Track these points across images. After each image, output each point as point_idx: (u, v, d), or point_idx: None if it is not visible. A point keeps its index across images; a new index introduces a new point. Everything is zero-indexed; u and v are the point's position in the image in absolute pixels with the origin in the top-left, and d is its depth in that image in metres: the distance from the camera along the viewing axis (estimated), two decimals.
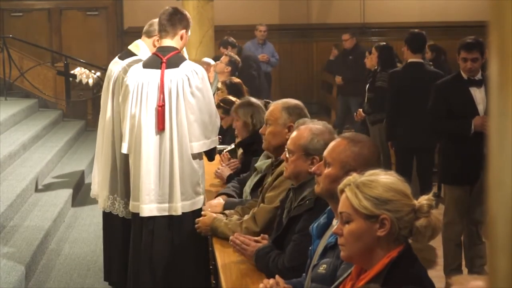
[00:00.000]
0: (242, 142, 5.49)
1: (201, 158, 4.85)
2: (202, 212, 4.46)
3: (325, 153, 3.01)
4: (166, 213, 4.73)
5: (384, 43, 9.06)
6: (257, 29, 11.92)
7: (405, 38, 7.27)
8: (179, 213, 4.72)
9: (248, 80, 8.61)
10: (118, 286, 5.51)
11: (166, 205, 4.73)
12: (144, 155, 4.70)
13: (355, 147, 2.93)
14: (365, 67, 9.08)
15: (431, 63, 8.23)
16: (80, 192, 8.52)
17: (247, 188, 4.77)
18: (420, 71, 7.09)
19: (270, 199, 4.06)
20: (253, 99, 5.61)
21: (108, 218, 5.43)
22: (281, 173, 4.02)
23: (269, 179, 4.19)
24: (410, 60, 7.19)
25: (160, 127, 4.68)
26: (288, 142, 3.62)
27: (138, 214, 4.78)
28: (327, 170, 2.95)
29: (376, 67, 8.58)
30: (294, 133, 3.61)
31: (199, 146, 4.75)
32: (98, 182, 5.44)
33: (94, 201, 8.51)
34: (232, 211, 4.41)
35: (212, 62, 8.77)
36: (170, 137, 4.69)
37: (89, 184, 9.00)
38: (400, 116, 7.24)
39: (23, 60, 12.15)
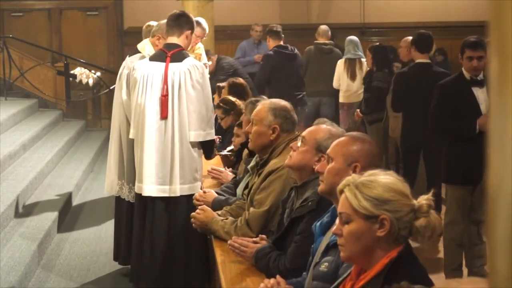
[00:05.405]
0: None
1: (199, 148, 5.19)
2: (200, 207, 4.41)
3: (328, 150, 3.04)
4: (166, 195, 5.08)
5: (378, 43, 9.08)
6: (253, 29, 11.62)
7: (412, 39, 7.25)
8: (178, 194, 5.08)
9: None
10: (125, 265, 5.98)
11: (167, 187, 5.09)
12: (147, 140, 5.07)
13: (357, 141, 2.97)
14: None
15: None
16: (80, 193, 8.51)
17: (239, 190, 4.71)
18: (428, 72, 7.07)
19: (260, 201, 4.00)
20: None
21: (118, 202, 5.98)
22: (269, 174, 3.99)
23: (256, 180, 4.11)
24: (418, 60, 7.17)
25: (163, 115, 5.05)
26: (305, 132, 3.59)
27: (141, 195, 5.14)
28: (330, 165, 2.97)
29: (372, 68, 8.61)
30: (313, 127, 3.60)
31: (196, 135, 5.09)
32: (109, 167, 5.95)
33: (94, 201, 8.50)
34: (223, 211, 4.35)
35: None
36: (172, 125, 5.06)
37: (88, 188, 9.02)
38: (406, 116, 7.25)
39: (23, 60, 12.13)
